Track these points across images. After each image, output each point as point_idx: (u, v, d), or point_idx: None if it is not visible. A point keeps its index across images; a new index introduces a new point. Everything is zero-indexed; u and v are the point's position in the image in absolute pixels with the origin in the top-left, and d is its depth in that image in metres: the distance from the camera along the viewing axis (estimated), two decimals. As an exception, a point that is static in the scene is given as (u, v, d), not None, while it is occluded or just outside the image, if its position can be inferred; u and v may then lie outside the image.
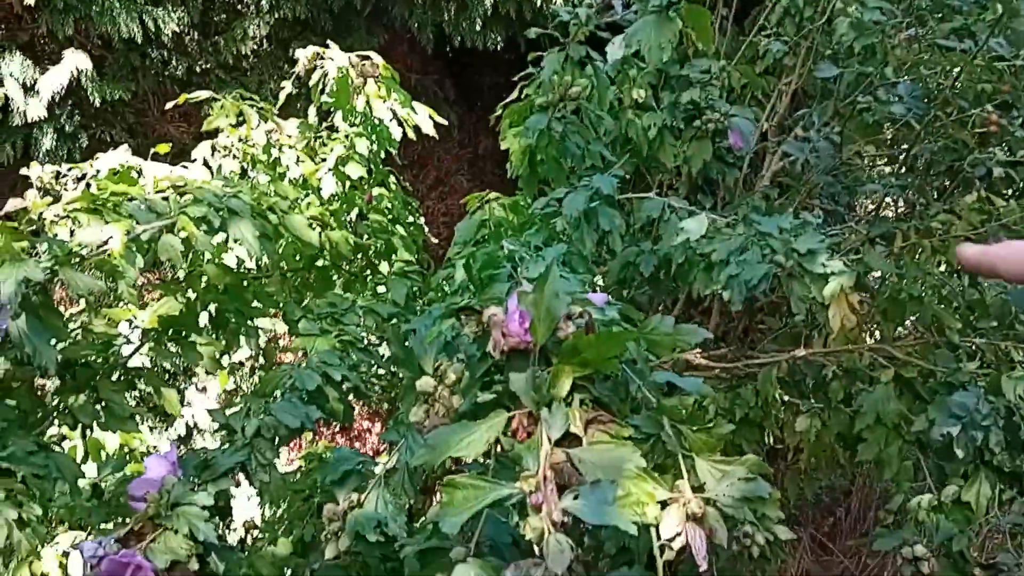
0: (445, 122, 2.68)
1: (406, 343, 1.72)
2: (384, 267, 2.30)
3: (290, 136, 2.41)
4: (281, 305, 2.08)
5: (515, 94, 2.40)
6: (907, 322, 2.43)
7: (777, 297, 2.93)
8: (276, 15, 3.47)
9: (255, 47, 3.58)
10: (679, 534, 1.11)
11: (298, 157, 2.32)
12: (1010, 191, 2.15)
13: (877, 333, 2.49)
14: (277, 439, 1.62)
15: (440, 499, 0.97)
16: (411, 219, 2.65)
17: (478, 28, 3.48)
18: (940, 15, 2.40)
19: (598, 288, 2.69)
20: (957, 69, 1.91)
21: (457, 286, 1.59)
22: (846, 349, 2.34)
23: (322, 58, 2.28)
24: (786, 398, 2.63)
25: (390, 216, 2.55)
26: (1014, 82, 1.99)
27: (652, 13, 1.92)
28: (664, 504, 1.12)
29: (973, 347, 2.11)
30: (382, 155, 2.52)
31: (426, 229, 3.06)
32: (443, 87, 4.38)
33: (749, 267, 1.87)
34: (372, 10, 3.61)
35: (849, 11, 2.47)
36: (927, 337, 2.16)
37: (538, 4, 3.38)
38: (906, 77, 2.04)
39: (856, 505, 5.62)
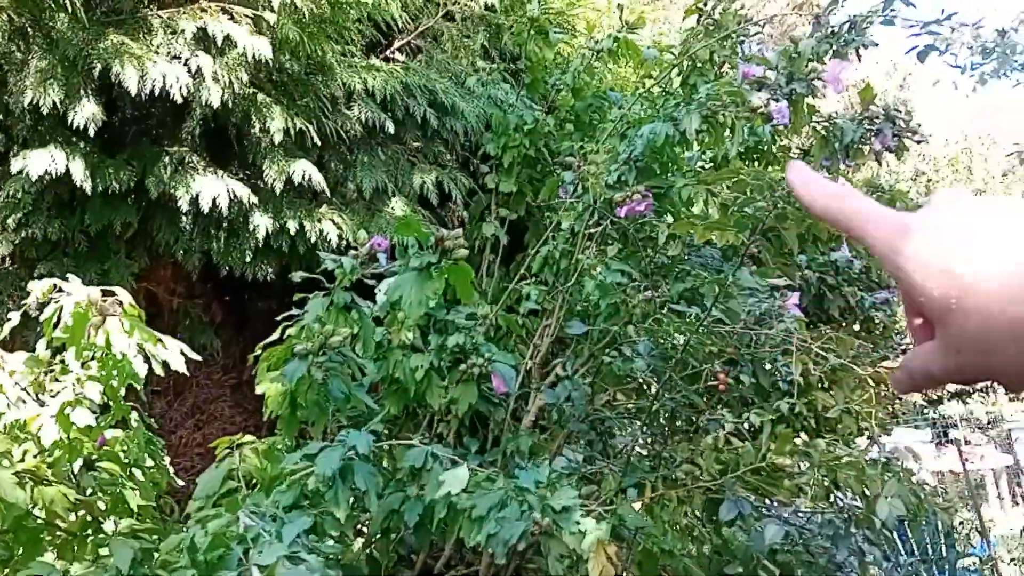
0: (199, 358, 2.52)
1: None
2: (109, 525, 2.02)
3: (13, 372, 2.15)
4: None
5: (276, 334, 2.34)
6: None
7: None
8: (23, 233, 3.23)
9: (-5, 264, 3.31)
10: None
11: (18, 397, 2.05)
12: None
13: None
14: None
15: None
16: (152, 462, 2.39)
17: (248, 259, 3.42)
18: (675, 276, 2.70)
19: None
20: (687, 332, 2.11)
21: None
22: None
23: (59, 291, 2.11)
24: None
25: (126, 461, 2.29)
26: (737, 344, 2.22)
27: (413, 271, 1.98)
28: None
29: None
30: (122, 392, 2.30)
31: (171, 471, 2.79)
32: (209, 311, 4.22)
33: (508, 524, 1.84)
34: (134, 234, 3.47)
35: (594, 273, 2.71)
36: (681, 586, 2.20)
37: (312, 240, 3.41)
38: (644, 337, 2.22)
39: None
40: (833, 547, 2.06)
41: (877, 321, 4.26)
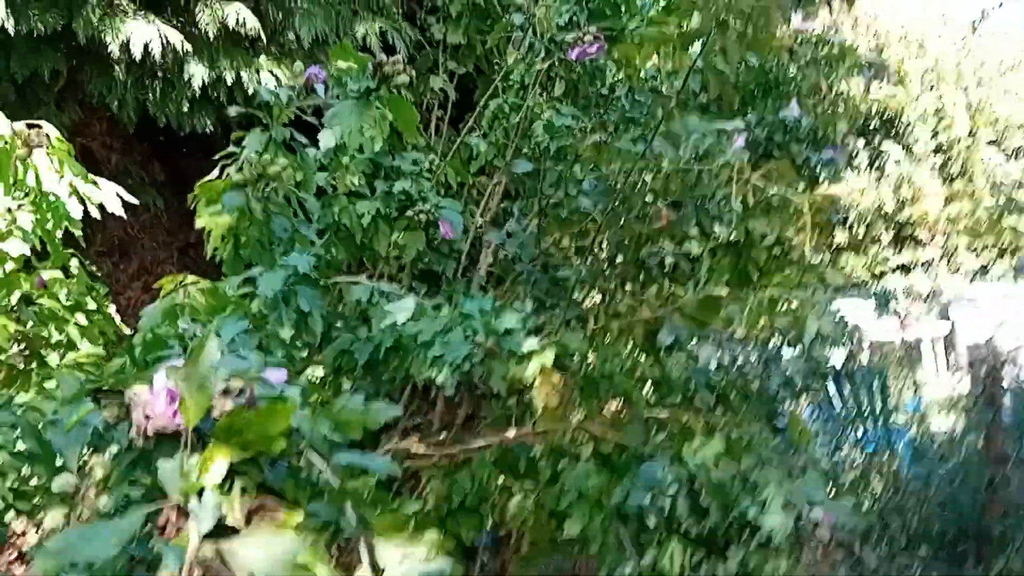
0: (135, 200, 2.47)
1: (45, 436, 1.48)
2: (55, 359, 2.02)
3: (-60, 209, 2.08)
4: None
5: (215, 173, 2.28)
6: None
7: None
8: (-54, 83, 3.07)
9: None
10: (356, 627, 1.02)
11: (-53, 233, 2.00)
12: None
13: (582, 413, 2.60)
14: None
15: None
16: (95, 307, 2.37)
17: (184, 110, 3.31)
18: (624, 127, 2.68)
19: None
20: (633, 167, 2.11)
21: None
22: (552, 427, 2.42)
23: (-18, 126, 2.02)
24: (501, 481, 2.65)
25: (68, 303, 2.27)
26: (680, 184, 2.24)
27: (352, 99, 1.92)
28: (340, 596, 1.03)
29: (659, 420, 2.27)
30: (59, 235, 2.25)
31: (118, 319, 2.77)
32: (149, 170, 4.09)
33: (453, 347, 1.88)
34: (65, 84, 3.31)
35: (544, 116, 2.68)
36: (623, 413, 2.30)
37: (250, 91, 3.29)
38: (591, 176, 2.22)
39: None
40: (765, 371, 2.15)
41: (823, 179, 4.33)
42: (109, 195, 2.41)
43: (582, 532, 2.28)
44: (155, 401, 0.91)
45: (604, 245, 2.30)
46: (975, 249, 14.63)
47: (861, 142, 15.04)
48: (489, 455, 2.52)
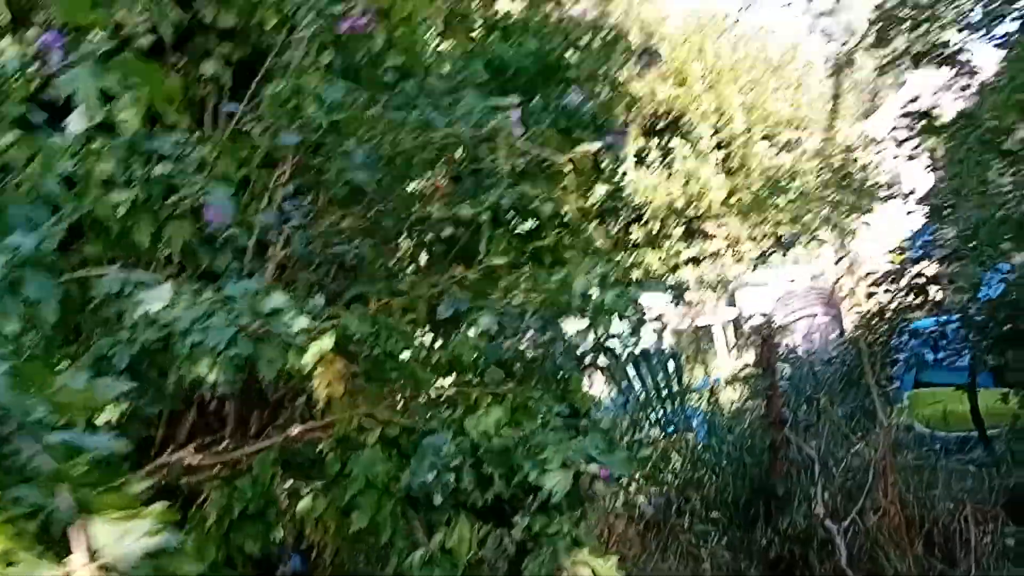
0: None
1: None
2: None
3: None
4: None
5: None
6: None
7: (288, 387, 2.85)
8: None
9: None
10: (64, 617, 0.91)
11: None
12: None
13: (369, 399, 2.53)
14: None
15: None
16: None
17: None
18: (401, 103, 2.64)
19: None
20: (404, 137, 2.08)
21: None
22: (337, 418, 2.33)
23: None
24: (290, 483, 2.52)
25: None
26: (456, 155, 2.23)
27: (86, 61, 1.75)
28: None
29: (447, 397, 2.25)
30: None
31: None
32: None
33: (214, 333, 1.75)
34: None
35: (318, 90, 2.58)
36: (410, 394, 2.26)
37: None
38: (365, 149, 2.16)
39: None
40: (542, 332, 2.19)
41: (605, 165, 4.51)
42: None
43: (372, 522, 2.21)
44: None
45: (383, 222, 2.25)
46: (755, 238, 15.96)
47: (654, 141, 16.00)
48: (271, 456, 2.39)
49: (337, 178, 2.16)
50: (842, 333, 9.28)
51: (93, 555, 0.97)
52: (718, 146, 15.72)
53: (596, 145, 2.14)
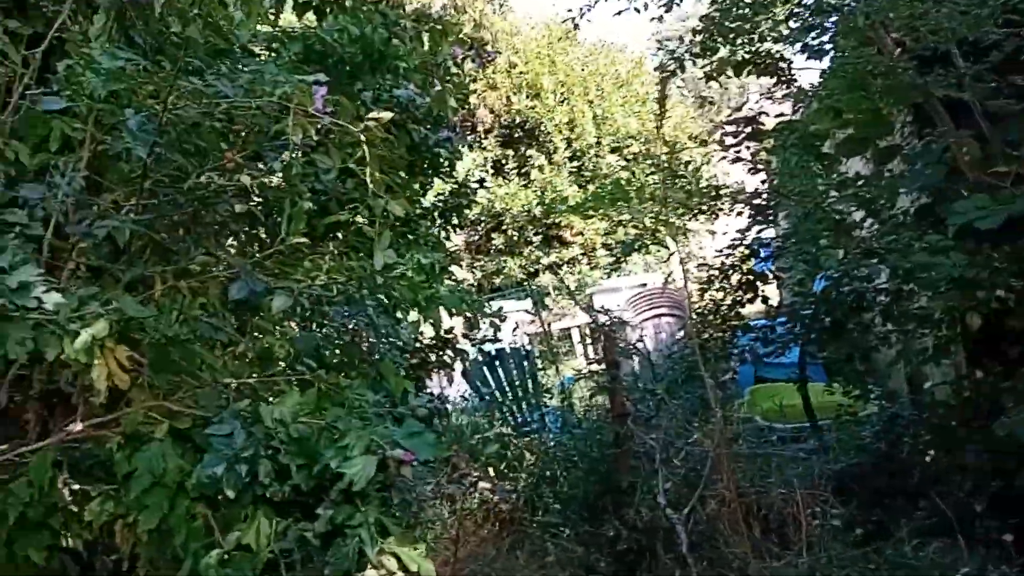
0: None
1: None
2: None
3: None
4: None
5: None
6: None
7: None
8: None
9: None
10: None
11: None
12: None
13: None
14: None
15: None
16: None
17: None
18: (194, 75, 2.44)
19: None
20: (185, 106, 1.91)
21: None
22: (122, 413, 2.12)
23: None
24: (76, 487, 2.27)
25: None
26: (250, 126, 2.07)
27: None
28: None
29: (246, 387, 2.08)
30: None
31: None
32: None
33: (-56, 311, 1.53)
34: None
35: (99, 59, 2.36)
36: (203, 383, 2.08)
37: None
38: (142, 118, 1.97)
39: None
40: (346, 310, 2.08)
41: (443, 158, 4.43)
42: None
43: (164, 523, 2.02)
44: None
45: (168, 197, 2.06)
46: (609, 246, 16.42)
47: (510, 152, 16.19)
48: (50, 457, 2.14)
49: (113, 150, 1.96)
50: (687, 332, 9.62)
51: None
52: (571, 157, 16.09)
53: (387, 115, 2.03)
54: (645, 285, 14.09)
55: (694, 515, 5.17)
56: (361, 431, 1.84)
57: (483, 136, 15.98)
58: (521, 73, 15.62)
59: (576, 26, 6.05)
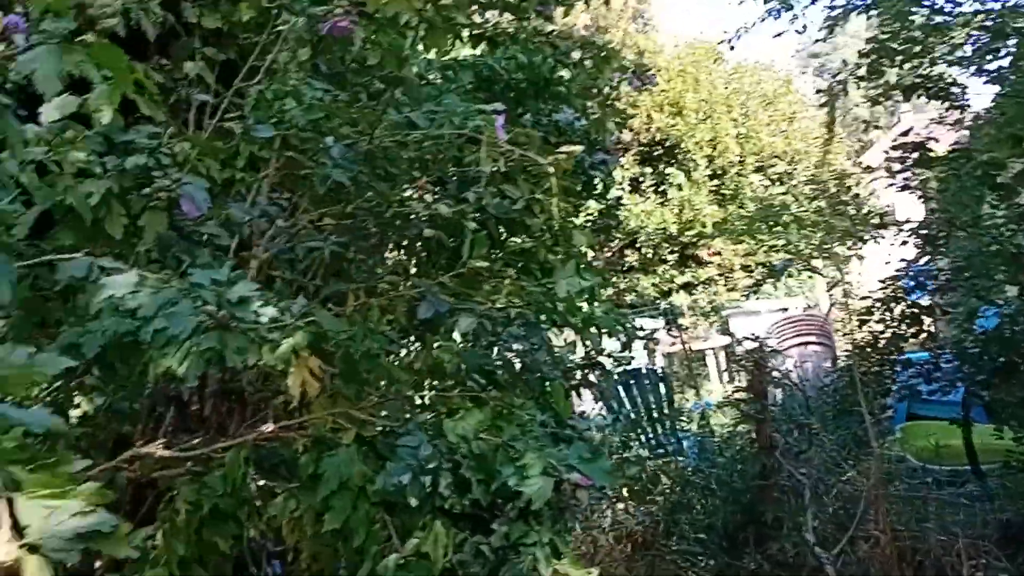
0: None
1: None
2: None
3: None
4: None
5: None
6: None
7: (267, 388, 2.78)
8: None
9: None
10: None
11: None
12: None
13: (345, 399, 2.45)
14: None
15: None
16: None
17: None
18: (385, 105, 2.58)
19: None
20: (383, 135, 2.03)
21: None
22: (310, 418, 2.25)
23: None
24: (263, 483, 2.44)
25: None
26: (441, 152, 2.18)
27: (48, 43, 1.69)
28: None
29: (426, 401, 2.18)
30: None
31: None
32: None
33: (178, 320, 1.68)
34: None
35: (300, 89, 2.54)
36: (386, 395, 2.18)
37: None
38: (343, 146, 2.11)
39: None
40: (525, 340, 2.13)
41: (597, 181, 4.47)
42: None
43: (345, 524, 2.13)
44: None
45: (362, 220, 2.19)
46: (748, 267, 15.97)
47: (649, 169, 16.07)
48: (244, 454, 2.31)
49: (315, 175, 2.10)
50: (834, 362, 9.23)
51: (19, 532, 0.90)
52: (712, 176, 15.79)
53: (578, 148, 2.08)
54: (786, 310, 13.62)
55: (843, 556, 4.97)
56: (539, 452, 1.88)
57: (621, 154, 15.96)
58: (663, 91, 15.48)
59: (732, 47, 5.98)
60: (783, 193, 13.26)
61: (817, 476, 5.28)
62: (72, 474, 0.99)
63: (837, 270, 5.36)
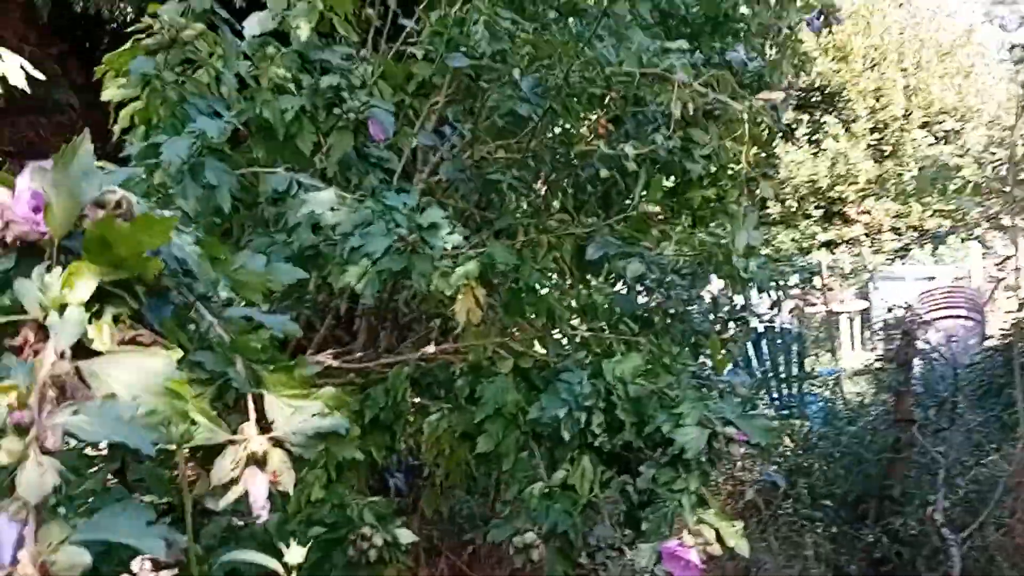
0: (42, 76, 2.29)
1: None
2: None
3: None
4: None
5: (128, 45, 2.12)
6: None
7: (420, 309, 2.92)
8: None
9: None
10: (235, 480, 0.94)
11: None
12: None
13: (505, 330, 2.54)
14: None
15: None
16: None
17: (103, -8, 3.09)
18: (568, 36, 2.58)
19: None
20: (572, 71, 2.03)
21: None
22: (471, 344, 2.36)
23: None
24: (417, 400, 2.59)
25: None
26: (624, 90, 2.16)
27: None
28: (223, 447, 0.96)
29: (581, 339, 2.23)
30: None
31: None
32: (67, 67, 3.83)
33: (372, 239, 1.79)
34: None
35: (485, 18, 2.56)
36: (544, 329, 2.25)
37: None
38: (530, 78, 2.13)
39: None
40: (688, 289, 2.13)
41: (765, 126, 4.31)
42: (12, 67, 2.23)
43: (495, 449, 2.24)
44: (17, 205, 0.81)
45: (539, 155, 2.22)
46: (898, 229, 15.10)
47: (804, 116, 15.28)
48: (406, 371, 2.45)
49: (499, 107, 2.14)
50: (984, 339, 8.69)
51: (264, 427, 1.00)
52: (872, 129, 14.85)
53: (779, 95, 2.02)
54: (934, 279, 12.84)
55: (970, 540, 4.79)
56: (695, 402, 1.90)
57: (789, 89, 15.18)
58: (830, 32, 14.58)
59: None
60: (957, 154, 12.33)
61: (955, 456, 5.06)
62: (308, 376, 1.09)
63: (1013, 244, 5.01)
